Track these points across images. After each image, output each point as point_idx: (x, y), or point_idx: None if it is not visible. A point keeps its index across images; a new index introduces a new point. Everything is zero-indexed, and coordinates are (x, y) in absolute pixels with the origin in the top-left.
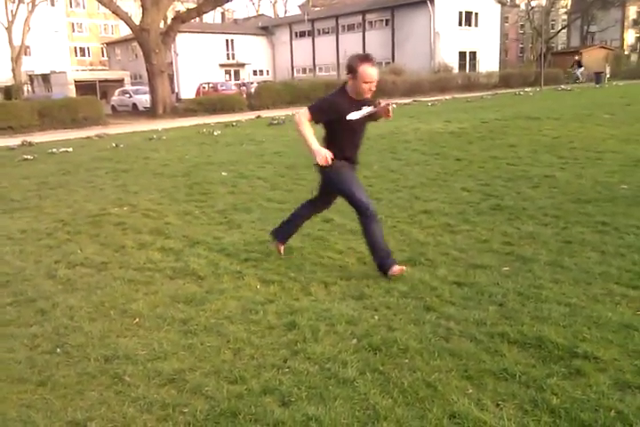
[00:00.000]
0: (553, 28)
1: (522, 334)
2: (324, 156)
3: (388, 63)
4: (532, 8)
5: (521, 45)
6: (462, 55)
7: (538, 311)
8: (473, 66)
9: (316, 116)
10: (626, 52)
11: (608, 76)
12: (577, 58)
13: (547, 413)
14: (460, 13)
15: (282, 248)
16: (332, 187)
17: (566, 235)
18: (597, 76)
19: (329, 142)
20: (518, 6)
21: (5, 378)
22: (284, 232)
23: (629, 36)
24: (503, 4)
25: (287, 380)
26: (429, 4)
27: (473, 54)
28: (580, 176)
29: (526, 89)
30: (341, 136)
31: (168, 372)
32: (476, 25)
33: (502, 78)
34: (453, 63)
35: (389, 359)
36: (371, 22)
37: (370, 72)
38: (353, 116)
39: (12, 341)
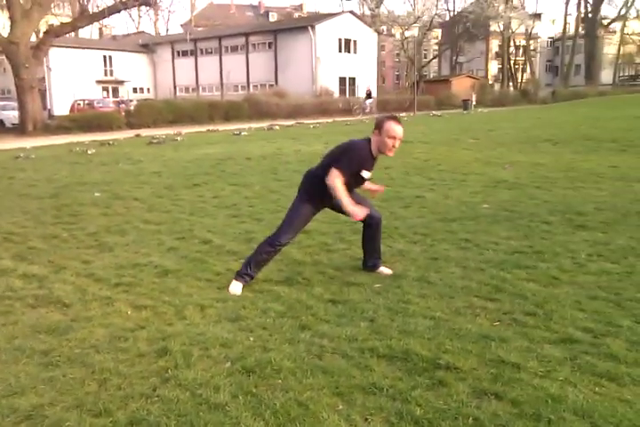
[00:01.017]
0: (425, 58)
1: (390, 348)
2: (361, 214)
3: (271, 85)
4: (406, 38)
5: (396, 73)
6: (342, 80)
7: (405, 325)
8: (352, 91)
9: (345, 176)
10: (490, 82)
11: (474, 103)
12: (368, 89)
13: (411, 424)
14: (340, 40)
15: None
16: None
17: (433, 252)
18: (465, 103)
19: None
20: (394, 36)
21: None
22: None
23: (492, 67)
24: (379, 33)
25: (156, 409)
26: (310, 30)
27: (352, 80)
28: (446, 197)
29: (401, 114)
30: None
31: (25, 408)
32: (355, 52)
33: (380, 104)
34: (334, 88)
35: (263, 381)
36: (254, 44)
37: (395, 128)
38: (366, 174)
39: None
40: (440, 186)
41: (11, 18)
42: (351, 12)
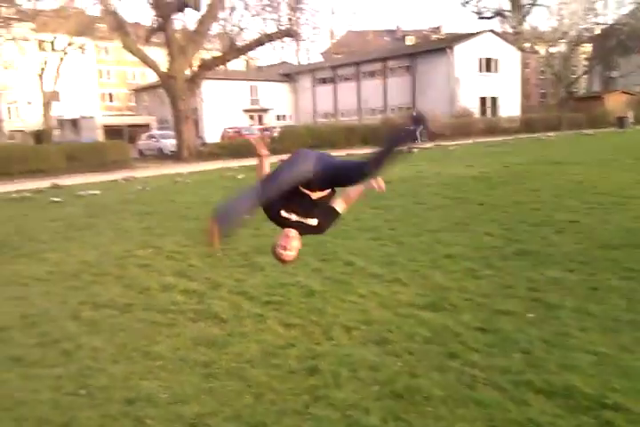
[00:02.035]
0: (573, 74)
1: (548, 383)
2: None
3: (409, 108)
4: (552, 54)
5: (542, 91)
6: (483, 100)
7: (564, 360)
8: (494, 111)
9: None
10: None
11: (632, 120)
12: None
13: None
14: (480, 60)
15: None
16: None
17: (593, 281)
18: (621, 121)
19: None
20: (538, 52)
21: (30, 419)
22: None
23: None
24: (522, 51)
25: (309, 426)
26: (449, 52)
27: (494, 100)
28: (605, 222)
29: (548, 134)
30: None
31: (189, 416)
32: (497, 71)
33: (524, 123)
34: (474, 108)
35: (412, 407)
36: (391, 69)
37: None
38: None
39: (37, 381)
40: (597, 210)
41: (169, 54)
42: (492, 31)
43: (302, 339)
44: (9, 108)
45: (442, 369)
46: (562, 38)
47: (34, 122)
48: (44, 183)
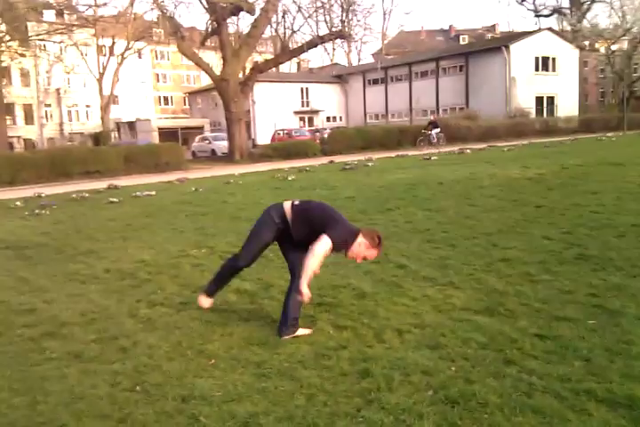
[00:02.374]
0: (636, 72)
1: (610, 393)
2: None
3: (461, 109)
4: (613, 52)
5: (601, 90)
6: (539, 100)
7: (628, 369)
8: (551, 111)
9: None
10: None
11: None
12: (433, 117)
13: None
14: (537, 59)
15: None
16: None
17: None
18: None
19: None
20: (598, 50)
21: (88, 413)
22: None
23: None
24: (581, 49)
25: None
26: (505, 51)
27: (551, 99)
28: None
29: (608, 134)
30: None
31: (242, 415)
32: (554, 70)
33: (582, 123)
34: (530, 108)
35: (468, 413)
36: (444, 69)
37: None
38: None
39: (95, 377)
40: None
41: (223, 57)
42: (550, 29)
43: (354, 341)
44: (69, 111)
45: (498, 376)
46: (624, 35)
47: (92, 124)
48: (101, 184)
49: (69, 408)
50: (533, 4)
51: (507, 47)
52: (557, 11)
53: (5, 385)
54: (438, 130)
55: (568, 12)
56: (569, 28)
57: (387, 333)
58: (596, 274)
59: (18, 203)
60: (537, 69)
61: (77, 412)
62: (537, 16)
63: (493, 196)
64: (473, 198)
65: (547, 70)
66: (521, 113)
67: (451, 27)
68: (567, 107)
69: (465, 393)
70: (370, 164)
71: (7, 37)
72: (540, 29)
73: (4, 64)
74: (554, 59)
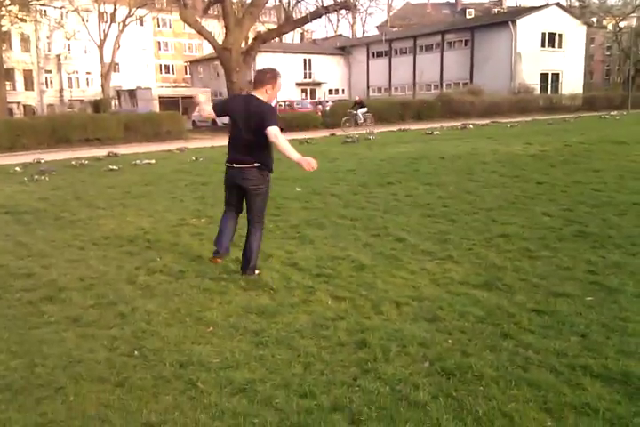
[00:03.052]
0: None
1: (606, 368)
2: (312, 163)
3: (465, 83)
4: (621, 29)
5: (607, 67)
6: (544, 77)
7: (623, 345)
8: (555, 88)
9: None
10: None
11: None
12: (358, 98)
13: None
14: (544, 34)
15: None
16: (256, 200)
17: None
18: None
19: (269, 151)
20: (605, 28)
21: (86, 377)
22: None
23: None
24: (589, 26)
25: (357, 398)
26: (511, 25)
27: (556, 76)
28: None
29: (612, 112)
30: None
31: (239, 381)
32: (560, 46)
33: (586, 101)
34: (535, 84)
35: (463, 385)
36: (449, 43)
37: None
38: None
39: (93, 341)
40: None
41: (225, 26)
42: (557, 5)
43: (352, 312)
44: (69, 77)
45: (494, 349)
46: (633, 12)
47: (92, 92)
48: (101, 151)
49: (67, 371)
50: None
51: (513, 22)
52: None
53: (4, 348)
54: (365, 110)
55: None
56: (577, 3)
57: (384, 305)
58: (595, 251)
59: (17, 168)
60: (543, 45)
61: (75, 375)
62: None
63: (495, 171)
64: (474, 174)
65: (553, 46)
66: (525, 89)
67: (457, 0)
68: (572, 84)
69: (461, 365)
70: (371, 137)
71: (7, 1)
72: (547, 5)
73: (4, 29)
74: (560, 35)
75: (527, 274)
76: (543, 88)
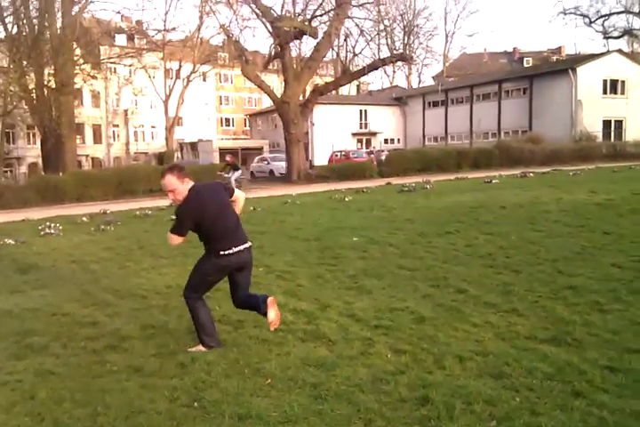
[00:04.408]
0: None
1: None
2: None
3: (524, 131)
4: None
5: None
6: (607, 124)
7: None
8: (619, 135)
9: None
10: None
11: None
12: (229, 159)
13: None
14: (605, 81)
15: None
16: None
17: None
18: None
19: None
20: None
21: None
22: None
23: None
24: None
25: None
26: (571, 73)
27: (619, 123)
28: None
29: None
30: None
31: None
32: (623, 93)
33: None
34: (597, 132)
35: None
36: (507, 91)
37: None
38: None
39: (154, 392)
40: None
41: (284, 80)
42: (619, 51)
43: (413, 366)
44: (135, 131)
45: (565, 408)
46: None
47: (157, 144)
48: (164, 202)
49: (129, 422)
50: (602, 25)
51: (573, 69)
52: (628, 32)
53: (68, 396)
54: (239, 173)
55: (639, 33)
56: None
57: (447, 359)
58: None
59: (84, 218)
60: (605, 92)
61: (137, 425)
62: (606, 38)
63: (559, 221)
64: (537, 223)
65: (615, 93)
66: (587, 137)
67: (514, 49)
68: (636, 131)
69: (530, 425)
70: (428, 186)
71: (81, 61)
72: (608, 51)
73: (77, 86)
74: (623, 81)
75: (598, 329)
76: (606, 135)
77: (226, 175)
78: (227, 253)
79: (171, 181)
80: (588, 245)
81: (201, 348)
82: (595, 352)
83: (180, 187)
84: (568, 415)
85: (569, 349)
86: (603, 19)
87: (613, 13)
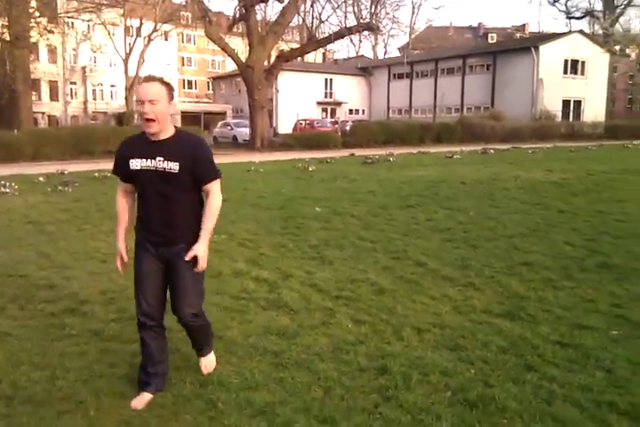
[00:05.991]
0: None
1: (633, 406)
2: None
3: (486, 108)
4: None
5: (629, 96)
6: (566, 103)
7: None
8: (577, 115)
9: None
10: None
11: None
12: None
13: None
14: (566, 61)
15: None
16: None
17: None
18: None
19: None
20: (629, 56)
21: (107, 392)
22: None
23: None
24: (612, 54)
25: (378, 426)
26: (534, 51)
27: (577, 103)
28: None
29: (634, 142)
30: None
31: (259, 403)
32: (583, 73)
33: (608, 129)
34: (556, 111)
35: (486, 417)
36: (471, 66)
37: (139, 89)
38: (135, 163)
39: (114, 356)
40: None
41: (249, 44)
42: (580, 32)
43: (372, 337)
44: (94, 90)
45: (518, 381)
46: None
47: (116, 104)
48: None
49: (88, 385)
50: (565, 5)
51: (536, 48)
52: (590, 13)
53: (26, 359)
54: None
55: (601, 15)
56: (601, 31)
57: (405, 330)
58: (619, 283)
59: (41, 178)
60: (565, 72)
61: (96, 390)
62: (568, 18)
63: (516, 198)
64: (495, 200)
65: (575, 73)
66: (547, 115)
67: (479, 24)
68: (594, 112)
69: (484, 397)
70: (391, 159)
71: (37, 13)
72: (570, 31)
73: (32, 40)
74: (583, 62)
75: (551, 305)
76: (565, 115)
77: None
78: None
79: (158, 89)
80: (542, 222)
81: (213, 354)
82: (547, 327)
83: (165, 105)
84: (520, 388)
85: (523, 323)
86: None
87: None
